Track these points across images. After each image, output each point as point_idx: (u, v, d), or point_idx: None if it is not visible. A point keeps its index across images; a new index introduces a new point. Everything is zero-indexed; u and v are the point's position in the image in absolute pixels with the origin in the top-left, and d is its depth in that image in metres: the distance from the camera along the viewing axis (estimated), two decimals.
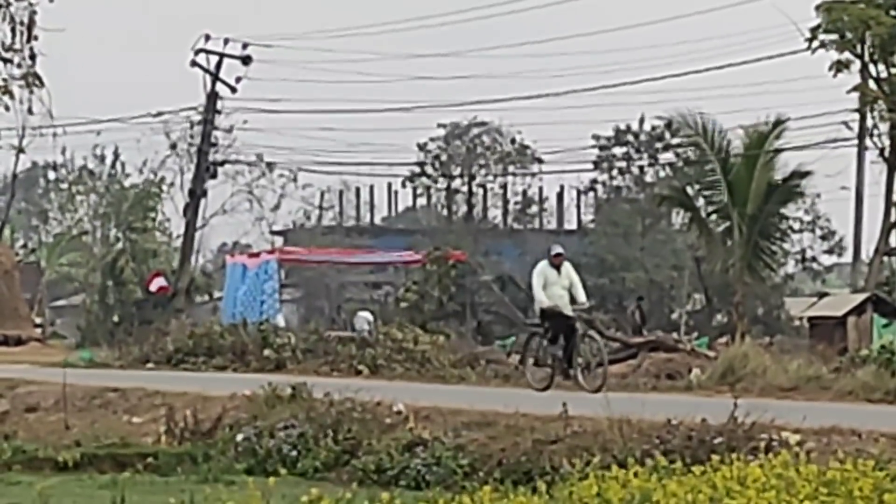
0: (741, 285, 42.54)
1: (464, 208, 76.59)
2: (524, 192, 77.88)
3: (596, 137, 69.79)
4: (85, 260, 74.35)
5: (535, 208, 78.50)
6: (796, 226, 61.10)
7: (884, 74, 50.94)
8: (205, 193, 56.86)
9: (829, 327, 41.15)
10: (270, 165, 67.24)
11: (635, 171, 72.53)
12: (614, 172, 73.50)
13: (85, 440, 23.97)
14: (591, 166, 71.14)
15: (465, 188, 76.73)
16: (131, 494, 18.64)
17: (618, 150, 71.70)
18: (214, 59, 54.27)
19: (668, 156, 69.37)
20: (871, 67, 51.06)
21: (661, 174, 71.16)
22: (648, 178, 72.94)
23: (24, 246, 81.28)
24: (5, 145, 59.00)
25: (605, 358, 27.05)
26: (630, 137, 70.97)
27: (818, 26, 50.33)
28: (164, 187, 70.20)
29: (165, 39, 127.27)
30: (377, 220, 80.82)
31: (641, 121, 70.12)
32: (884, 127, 51.69)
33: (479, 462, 20.28)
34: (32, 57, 52.63)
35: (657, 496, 11.99)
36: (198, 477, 21.11)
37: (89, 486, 20.73)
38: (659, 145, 70.08)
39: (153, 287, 55.41)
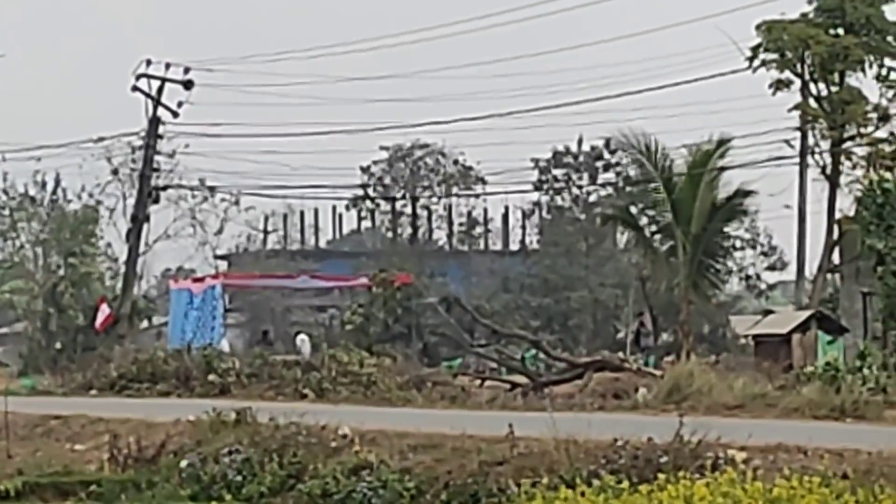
0: (686, 304, 42.65)
1: (408, 230, 76.40)
2: (469, 214, 77.80)
3: (535, 160, 69.76)
4: (27, 287, 73.63)
5: (479, 229, 78.41)
6: (738, 243, 61.29)
7: (824, 93, 51.24)
8: (147, 218, 56.36)
9: (774, 345, 41.28)
10: (213, 189, 66.67)
11: (576, 191, 72.59)
12: (555, 193, 73.55)
13: (27, 469, 23.79)
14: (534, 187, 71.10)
15: (409, 210, 76.55)
16: None
17: (558, 171, 71.73)
18: (156, 83, 53.87)
19: (608, 175, 69.54)
20: (811, 86, 51.38)
21: (603, 193, 71.27)
22: (591, 199, 73.04)
23: None
24: None
25: None
26: (570, 159, 71.01)
27: (759, 45, 50.59)
28: (104, 211, 69.55)
29: (106, 64, 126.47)
30: (322, 244, 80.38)
31: (580, 141, 70.29)
32: (825, 145, 51.96)
33: (426, 485, 20.22)
34: None
35: None
36: None
37: None
38: (599, 165, 70.27)
39: (98, 322, 54.62)
